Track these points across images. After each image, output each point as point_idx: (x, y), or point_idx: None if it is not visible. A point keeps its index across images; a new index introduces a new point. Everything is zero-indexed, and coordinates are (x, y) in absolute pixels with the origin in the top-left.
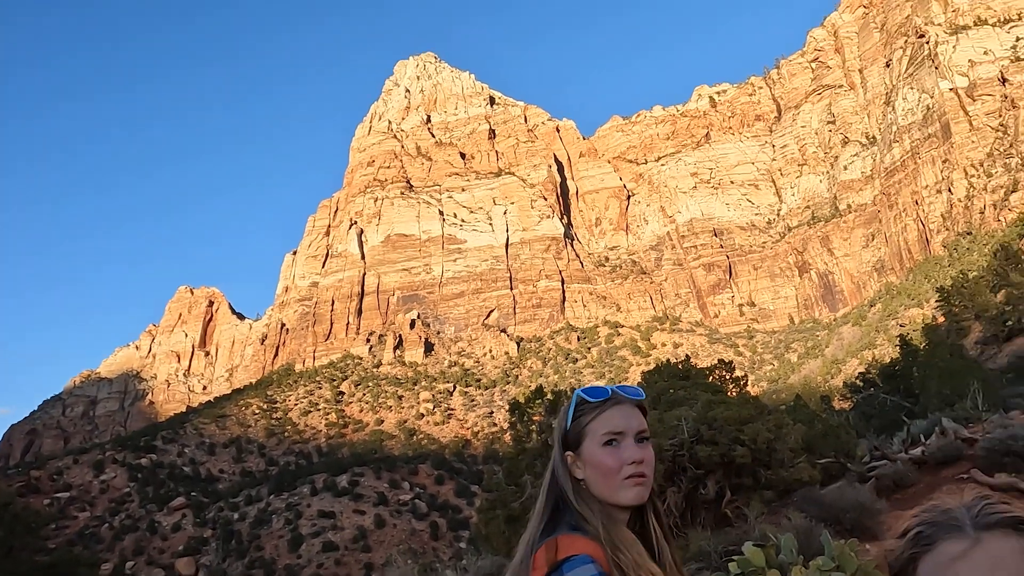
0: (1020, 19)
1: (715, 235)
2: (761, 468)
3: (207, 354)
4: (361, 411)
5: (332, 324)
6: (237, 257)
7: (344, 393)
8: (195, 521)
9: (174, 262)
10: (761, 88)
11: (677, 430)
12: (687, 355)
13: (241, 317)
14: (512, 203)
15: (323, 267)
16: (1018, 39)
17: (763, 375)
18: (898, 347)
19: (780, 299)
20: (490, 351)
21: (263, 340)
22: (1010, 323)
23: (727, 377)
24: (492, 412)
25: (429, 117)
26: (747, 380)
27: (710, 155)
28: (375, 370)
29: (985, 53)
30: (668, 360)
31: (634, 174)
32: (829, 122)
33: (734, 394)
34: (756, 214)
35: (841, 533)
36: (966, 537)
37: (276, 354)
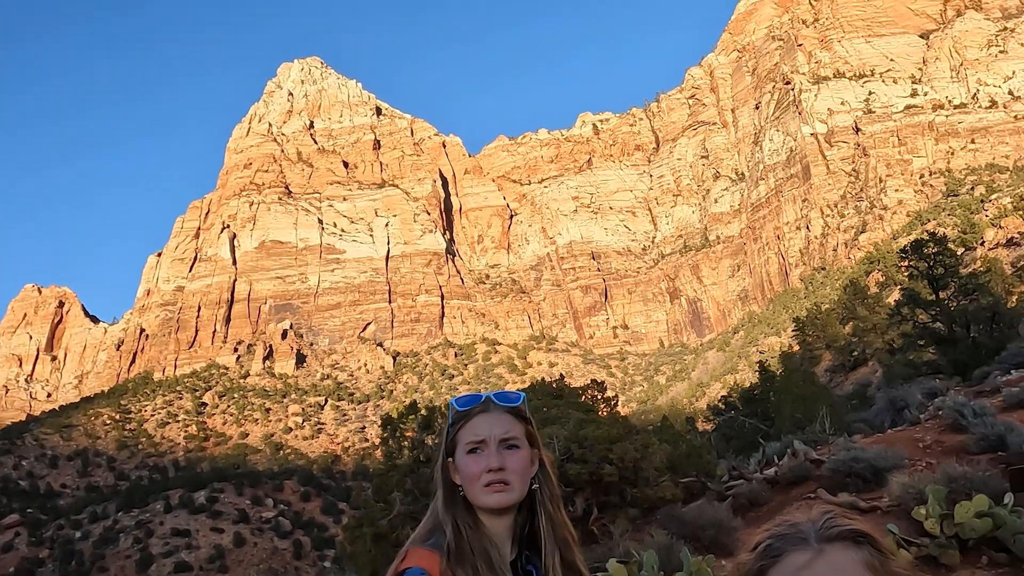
0: (872, 75)
1: (593, 258)
2: (628, 486)
3: (54, 359)
4: (225, 424)
5: (197, 331)
6: (94, 258)
7: (207, 404)
8: (30, 540)
9: (22, 260)
10: (641, 119)
11: (548, 448)
12: (561, 374)
13: (95, 320)
14: (395, 216)
15: (191, 271)
16: (871, 93)
17: (633, 396)
18: (757, 373)
19: (652, 323)
20: (365, 365)
21: (119, 346)
22: (856, 353)
23: (599, 397)
24: (364, 427)
25: (312, 123)
26: (618, 400)
27: (591, 180)
28: (242, 381)
29: (842, 104)
30: (543, 379)
31: (517, 194)
32: (703, 156)
33: (605, 414)
34: (632, 240)
35: (699, 549)
36: (810, 549)
37: (133, 361)
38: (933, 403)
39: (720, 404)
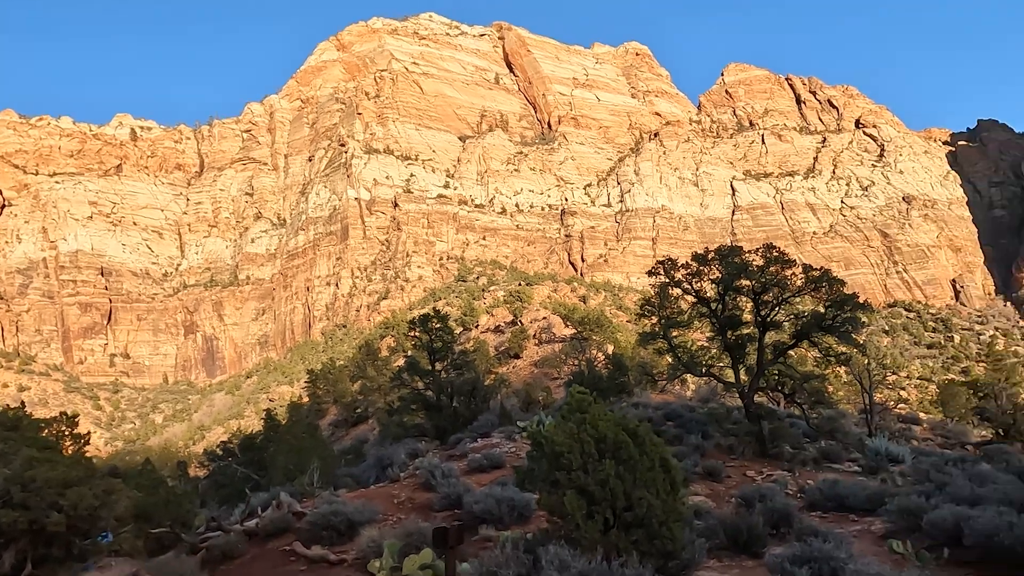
0: (416, 159)
1: (102, 274)
2: (79, 538)
3: None
4: None
5: None
6: None
7: None
8: None
9: None
10: (189, 139)
11: None
12: (23, 402)
13: None
14: None
15: None
16: (412, 175)
17: (121, 434)
18: (263, 420)
19: (159, 356)
20: None
21: None
22: (359, 410)
23: (67, 432)
24: None
25: None
26: (90, 437)
27: (117, 188)
28: None
29: (387, 178)
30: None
31: (18, 182)
32: (247, 194)
33: (70, 452)
34: (154, 263)
35: None
36: None
37: None
38: (414, 463)
39: (218, 450)
